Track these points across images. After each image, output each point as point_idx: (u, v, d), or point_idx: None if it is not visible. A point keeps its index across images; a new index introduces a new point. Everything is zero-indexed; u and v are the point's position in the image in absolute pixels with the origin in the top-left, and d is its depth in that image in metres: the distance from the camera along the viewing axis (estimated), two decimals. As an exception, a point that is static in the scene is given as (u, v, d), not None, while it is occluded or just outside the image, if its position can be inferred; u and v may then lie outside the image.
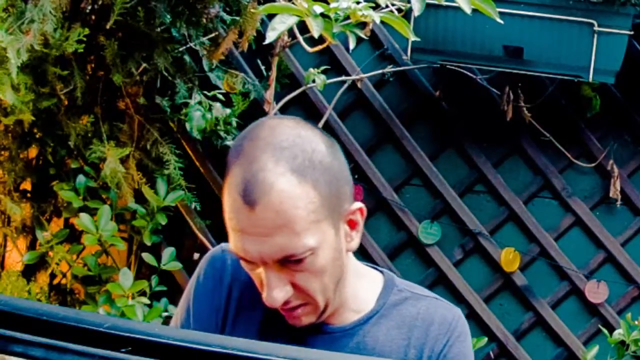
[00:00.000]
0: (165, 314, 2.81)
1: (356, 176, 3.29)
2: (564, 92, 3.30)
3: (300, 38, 2.51)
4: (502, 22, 1.91)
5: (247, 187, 1.09)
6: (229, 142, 2.93)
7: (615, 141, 3.34)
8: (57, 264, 2.86)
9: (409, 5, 1.96)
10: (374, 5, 1.96)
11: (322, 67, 2.98)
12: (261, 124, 1.15)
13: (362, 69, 3.33)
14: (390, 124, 3.35)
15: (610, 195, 3.29)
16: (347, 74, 3.33)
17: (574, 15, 2.92)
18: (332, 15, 1.77)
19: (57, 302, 2.99)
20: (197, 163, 3.11)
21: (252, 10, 2.75)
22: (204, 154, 3.11)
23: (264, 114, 3.03)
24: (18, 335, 0.76)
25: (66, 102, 2.75)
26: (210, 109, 2.89)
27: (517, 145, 3.36)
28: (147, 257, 2.84)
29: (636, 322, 2.93)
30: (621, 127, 3.36)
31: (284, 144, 1.10)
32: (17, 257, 3.00)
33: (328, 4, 1.81)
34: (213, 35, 2.87)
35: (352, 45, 1.86)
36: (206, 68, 3.01)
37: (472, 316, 3.25)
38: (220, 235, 3.02)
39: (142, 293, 2.76)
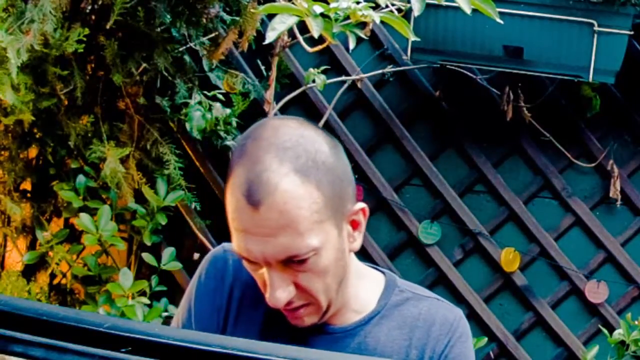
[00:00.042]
0: (165, 314, 2.81)
1: (356, 176, 3.29)
2: (564, 92, 3.31)
3: (300, 38, 2.50)
4: (502, 22, 1.91)
5: (250, 188, 1.09)
6: (229, 142, 2.93)
7: (615, 141, 3.34)
8: (57, 264, 2.86)
9: (409, 5, 1.96)
10: (374, 5, 1.96)
11: (322, 67, 2.98)
12: (264, 124, 1.15)
13: (362, 69, 3.33)
14: (390, 124, 3.35)
15: (610, 195, 3.29)
16: (347, 74, 3.33)
17: (574, 15, 2.92)
18: (332, 15, 1.77)
19: (57, 302, 2.98)
20: (197, 163, 3.11)
21: (252, 10, 2.75)
22: (204, 154, 3.11)
23: (264, 114, 3.03)
24: (18, 335, 0.76)
25: (66, 102, 2.75)
26: (210, 109, 2.89)
27: (517, 145, 3.36)
28: (147, 257, 2.84)
29: (636, 322, 2.93)
30: (621, 127, 3.36)
31: (287, 145, 1.10)
32: (17, 257, 3.00)
33: (328, 4, 1.81)
34: (213, 35, 2.87)
35: (352, 45, 1.86)
36: (206, 68, 3.01)
37: (472, 316, 3.25)
38: (220, 235, 3.04)
39: (142, 293, 2.76)
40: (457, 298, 3.25)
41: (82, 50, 2.54)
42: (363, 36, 1.98)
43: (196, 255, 3.07)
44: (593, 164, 3.33)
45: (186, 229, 3.08)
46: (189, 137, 2.98)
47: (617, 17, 2.92)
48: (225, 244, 1.28)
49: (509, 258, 3.29)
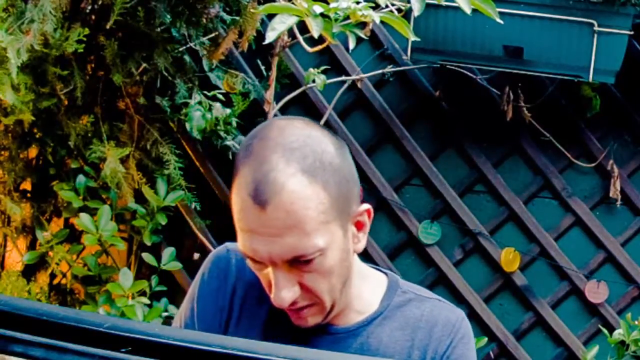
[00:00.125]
0: (165, 314, 2.81)
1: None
2: (564, 92, 3.30)
3: (300, 38, 2.50)
4: (502, 22, 1.91)
5: (257, 187, 1.08)
6: (229, 142, 2.93)
7: (615, 141, 3.34)
8: (57, 264, 2.86)
9: (409, 5, 1.96)
10: (374, 5, 1.96)
11: (322, 67, 2.98)
12: (270, 124, 1.15)
13: (362, 69, 3.33)
14: (390, 124, 3.35)
15: (610, 195, 3.29)
16: (347, 74, 3.33)
17: (574, 15, 2.92)
18: (332, 15, 1.77)
19: (57, 302, 2.98)
20: (197, 163, 3.11)
21: (252, 10, 2.75)
22: (204, 154, 3.11)
23: (264, 114, 3.03)
24: (18, 335, 0.76)
25: (66, 102, 2.75)
26: (210, 109, 2.89)
27: (517, 145, 3.36)
28: (147, 257, 2.84)
29: (636, 322, 2.93)
30: (621, 127, 3.36)
31: (294, 145, 1.10)
32: (17, 257, 3.00)
33: (328, 4, 1.81)
34: (213, 35, 2.87)
35: (352, 45, 1.86)
36: (206, 68, 3.01)
37: (472, 316, 3.24)
38: (220, 235, 3.04)
39: (142, 293, 2.76)
40: (457, 298, 3.25)
41: (82, 50, 2.54)
42: (363, 36, 1.98)
43: (196, 255, 3.07)
44: (593, 164, 3.33)
45: (186, 229, 3.08)
46: (189, 137, 2.98)
47: (617, 17, 2.92)
48: (228, 244, 1.28)
49: (509, 258, 3.28)
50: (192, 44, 2.88)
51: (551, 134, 3.32)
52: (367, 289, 1.26)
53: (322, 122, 3.17)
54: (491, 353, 3.28)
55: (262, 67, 3.23)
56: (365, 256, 3.21)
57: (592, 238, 3.32)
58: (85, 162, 2.82)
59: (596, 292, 3.28)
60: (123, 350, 0.75)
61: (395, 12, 2.07)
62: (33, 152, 2.92)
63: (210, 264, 1.28)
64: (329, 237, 1.12)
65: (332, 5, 1.79)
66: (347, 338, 1.23)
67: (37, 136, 2.84)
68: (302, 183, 1.09)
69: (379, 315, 1.24)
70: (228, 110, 2.92)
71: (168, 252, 2.87)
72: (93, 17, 2.73)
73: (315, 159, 1.10)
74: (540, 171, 3.34)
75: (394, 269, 3.22)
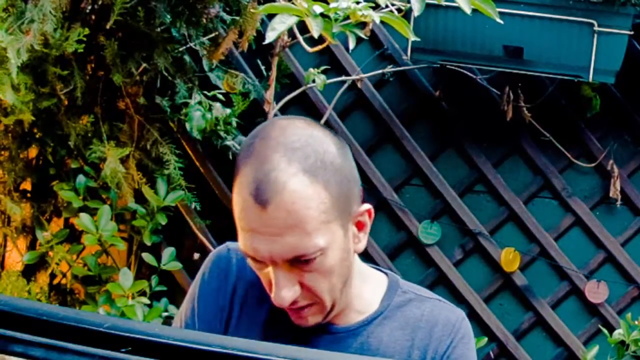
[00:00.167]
0: (165, 314, 2.81)
1: (356, 176, 3.28)
2: (564, 92, 3.30)
3: (300, 38, 2.50)
4: (502, 22, 1.91)
5: (259, 187, 1.09)
6: (229, 142, 2.93)
7: (615, 141, 3.34)
8: (57, 264, 2.86)
9: (409, 5, 1.96)
10: (373, 5, 1.96)
11: (322, 67, 2.98)
12: (271, 124, 1.15)
13: (362, 69, 3.33)
14: (390, 124, 3.35)
15: (610, 195, 3.29)
16: (347, 74, 3.33)
17: (574, 15, 2.92)
18: (332, 15, 1.77)
19: (57, 302, 2.98)
20: (197, 163, 3.11)
21: (252, 10, 2.75)
22: (204, 154, 3.11)
23: (264, 114, 3.03)
24: (18, 335, 0.76)
25: (66, 102, 2.75)
26: (210, 109, 2.89)
27: (517, 145, 3.36)
28: (147, 257, 2.84)
29: (636, 322, 2.93)
30: (621, 127, 3.36)
31: (296, 145, 1.10)
32: (17, 257, 3.00)
33: (328, 4, 1.81)
34: (213, 35, 2.87)
35: (352, 45, 1.86)
36: (206, 68, 3.01)
37: (472, 316, 3.24)
38: (220, 235, 3.04)
39: (142, 293, 2.76)
40: (457, 298, 3.25)
41: (82, 50, 2.54)
42: (363, 36, 1.98)
43: (196, 255, 3.07)
44: (593, 164, 3.33)
45: (186, 229, 3.08)
46: (189, 137, 2.98)
47: (617, 17, 2.92)
48: (228, 243, 1.28)
49: (509, 258, 3.28)
50: (192, 44, 2.88)
51: (551, 134, 3.32)
52: (368, 289, 1.27)
53: (322, 122, 3.17)
54: (491, 353, 3.28)
55: (262, 67, 3.23)
56: (366, 256, 3.21)
57: (592, 238, 3.32)
58: (85, 162, 2.82)
59: (596, 292, 3.28)
60: (123, 350, 0.75)
61: (395, 12, 2.07)
62: (33, 152, 2.92)
63: (211, 264, 1.28)
64: (330, 236, 1.12)
65: (332, 5, 1.79)
66: (347, 338, 1.23)
67: (37, 136, 2.84)
68: (303, 183, 1.09)
69: (379, 315, 1.24)
70: (228, 110, 2.92)
71: (168, 252, 2.87)
72: (93, 17, 2.73)
73: (316, 158, 1.11)
74: (540, 171, 3.34)
75: (394, 269, 3.22)
